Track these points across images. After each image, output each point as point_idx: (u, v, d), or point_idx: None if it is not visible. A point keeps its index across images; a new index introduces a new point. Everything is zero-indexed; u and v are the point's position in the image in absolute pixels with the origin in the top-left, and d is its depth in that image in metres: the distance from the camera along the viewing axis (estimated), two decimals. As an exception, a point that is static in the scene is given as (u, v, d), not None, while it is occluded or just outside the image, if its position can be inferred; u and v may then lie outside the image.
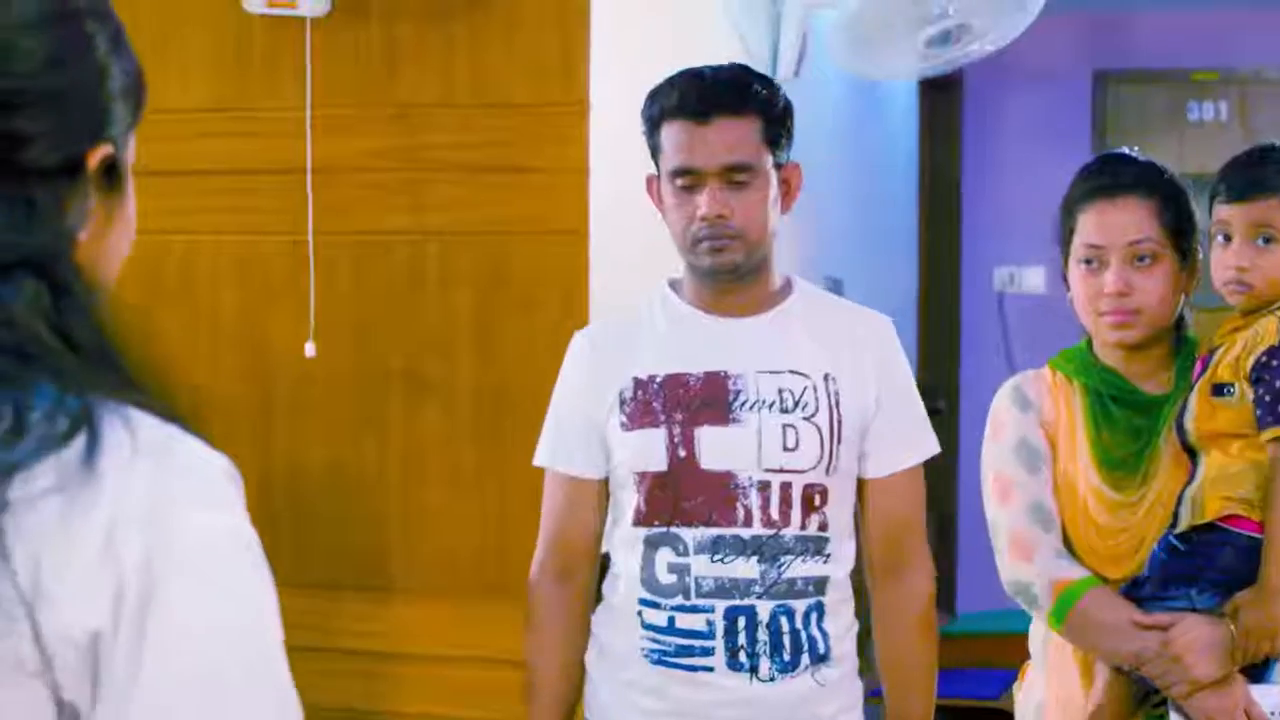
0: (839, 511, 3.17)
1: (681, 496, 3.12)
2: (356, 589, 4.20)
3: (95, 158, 1.39)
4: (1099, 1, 8.30)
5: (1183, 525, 2.99)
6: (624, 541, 3.21)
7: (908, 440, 3.25)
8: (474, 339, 4.09)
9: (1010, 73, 8.35)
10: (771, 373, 3.14)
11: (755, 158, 3.09)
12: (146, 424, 1.32)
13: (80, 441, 1.26)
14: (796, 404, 3.13)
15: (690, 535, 3.11)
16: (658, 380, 3.16)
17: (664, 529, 3.14)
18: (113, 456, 1.27)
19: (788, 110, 3.17)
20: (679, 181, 3.10)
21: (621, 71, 4.10)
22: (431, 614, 4.16)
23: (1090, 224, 3.15)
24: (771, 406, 3.12)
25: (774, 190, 3.13)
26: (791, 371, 3.15)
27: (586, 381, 3.23)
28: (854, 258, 6.79)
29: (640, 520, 3.16)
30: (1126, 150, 3.32)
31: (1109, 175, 3.20)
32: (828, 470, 3.14)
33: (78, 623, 1.22)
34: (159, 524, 1.27)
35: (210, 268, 4.30)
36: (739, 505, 3.10)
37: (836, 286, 6.30)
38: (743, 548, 3.10)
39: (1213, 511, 2.96)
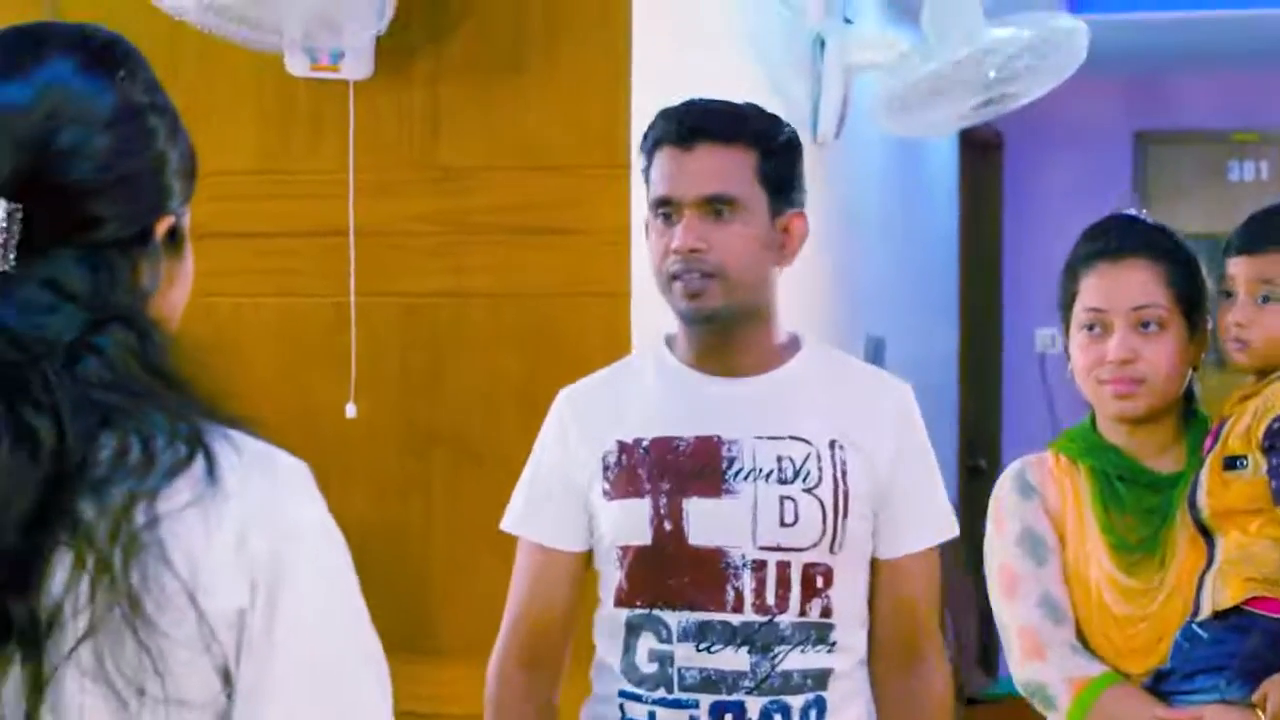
0: (847, 595, 2.85)
1: (666, 574, 2.81)
2: (400, 650, 4.18)
3: (161, 228, 1.67)
4: (1139, 63, 8.31)
5: (1205, 612, 2.82)
6: (605, 624, 2.91)
7: (922, 519, 2.93)
8: (516, 400, 4.09)
9: (1051, 133, 8.36)
10: (770, 438, 2.82)
11: (741, 191, 2.80)
12: (242, 440, 1.64)
13: (200, 461, 1.56)
14: (797, 474, 2.80)
15: (674, 619, 2.79)
16: (644, 444, 2.85)
17: (646, 611, 2.82)
18: (229, 471, 1.58)
19: (791, 151, 2.90)
20: (659, 211, 2.84)
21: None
22: (476, 675, 4.13)
23: (1092, 287, 2.97)
24: (769, 476, 2.80)
25: (765, 232, 2.82)
26: (793, 438, 2.83)
27: (568, 443, 2.94)
28: (895, 317, 6.79)
29: (621, 600, 2.86)
30: (1134, 211, 3.16)
31: (1114, 237, 3.03)
32: (832, 548, 2.81)
33: (228, 604, 1.55)
34: (276, 522, 1.60)
35: (252, 329, 4.31)
36: (728, 587, 2.77)
37: (878, 346, 6.29)
38: (731, 636, 2.77)
39: (1236, 595, 2.80)
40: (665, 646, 2.80)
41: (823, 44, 5.08)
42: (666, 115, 2.88)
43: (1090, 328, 2.97)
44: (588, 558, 2.95)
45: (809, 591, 2.80)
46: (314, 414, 4.23)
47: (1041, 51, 4.78)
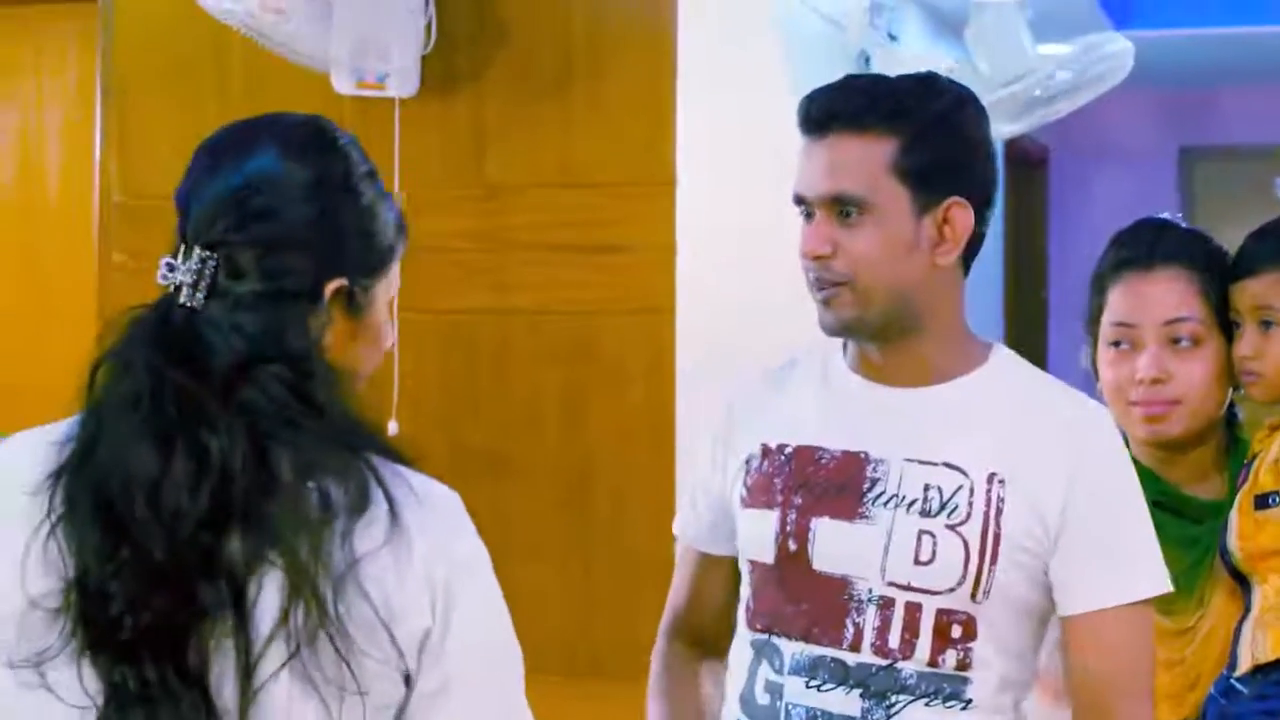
0: (995, 651, 2.43)
1: (785, 599, 2.50)
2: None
3: (329, 289, 1.92)
4: (1185, 78, 8.29)
5: (1244, 665, 2.56)
6: (737, 644, 2.61)
7: (1111, 571, 2.43)
8: (560, 417, 4.10)
9: (1096, 148, 8.35)
10: (921, 463, 2.45)
11: (867, 188, 2.41)
12: (405, 474, 1.90)
13: (382, 503, 1.84)
14: (943, 506, 2.42)
15: (788, 650, 2.48)
16: (788, 451, 2.53)
17: (765, 636, 2.52)
18: (407, 511, 1.86)
19: (950, 129, 2.46)
20: (799, 209, 2.50)
21: (707, 150, 4.11)
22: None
23: (1120, 300, 2.72)
24: (911, 506, 2.44)
25: (905, 232, 2.43)
26: (947, 465, 2.44)
27: (719, 440, 2.66)
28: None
29: (748, 620, 2.56)
30: (1167, 216, 2.88)
31: (1144, 244, 2.75)
32: (974, 595, 2.41)
33: (416, 626, 1.85)
34: (451, 555, 1.91)
35: (298, 346, 4.32)
36: (848, 622, 2.44)
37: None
38: (844, 675, 2.44)
39: (1277, 647, 2.54)
40: (778, 678, 2.50)
41: (868, 60, 5.08)
42: (806, 97, 2.51)
43: (1117, 344, 2.74)
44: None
45: (942, 640, 2.42)
46: (359, 430, 4.24)
47: (1087, 68, 4.77)
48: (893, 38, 5.35)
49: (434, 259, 4.18)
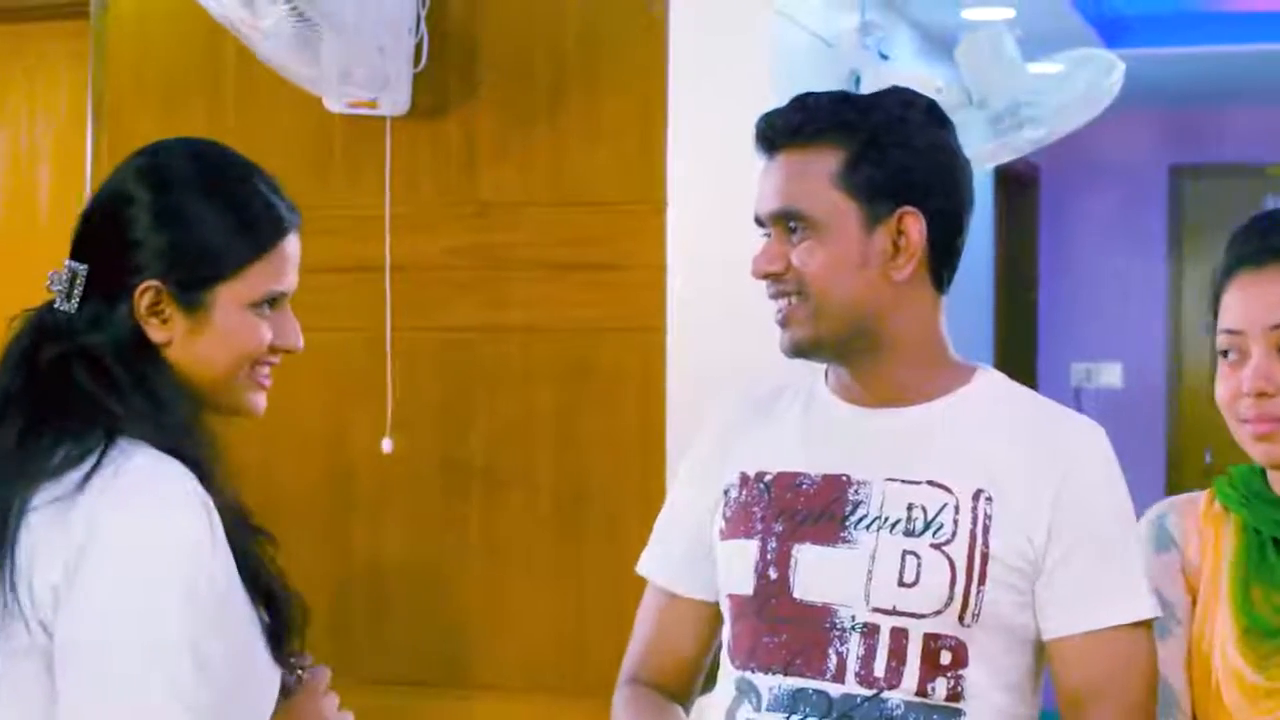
0: (987, 679, 2.31)
1: (764, 631, 2.37)
2: (436, 685, 4.20)
3: (138, 291, 2.12)
4: (1175, 96, 8.30)
5: None
6: (721, 683, 2.47)
7: (1097, 591, 2.32)
8: (553, 435, 4.10)
9: (1086, 167, 8.36)
10: (904, 482, 2.35)
11: (813, 204, 2.35)
12: (147, 456, 2.05)
13: (84, 468, 2.02)
14: (927, 526, 2.31)
15: (766, 685, 2.35)
16: (767, 479, 2.43)
17: (743, 673, 2.39)
18: (99, 477, 2.01)
19: (902, 138, 2.38)
20: (761, 232, 2.45)
21: (699, 170, 4.12)
22: (511, 710, 4.15)
23: (1231, 304, 2.34)
24: (895, 526, 2.32)
25: (855, 247, 2.35)
26: (931, 483, 2.34)
27: (695, 470, 2.57)
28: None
29: (730, 659, 2.43)
30: None
31: (1254, 240, 2.37)
32: (962, 618, 2.29)
33: (48, 580, 1.99)
34: (98, 521, 1.99)
35: (289, 363, 4.30)
36: (830, 651, 2.31)
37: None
38: (827, 708, 2.31)
39: None
40: (756, 716, 2.36)
41: (858, 80, 5.08)
42: (760, 120, 2.48)
43: (1226, 353, 2.34)
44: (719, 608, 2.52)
45: (931, 668, 2.29)
46: (351, 448, 4.24)
47: (1078, 88, 4.77)
48: (884, 57, 5.35)
49: (426, 277, 4.19)
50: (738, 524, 2.43)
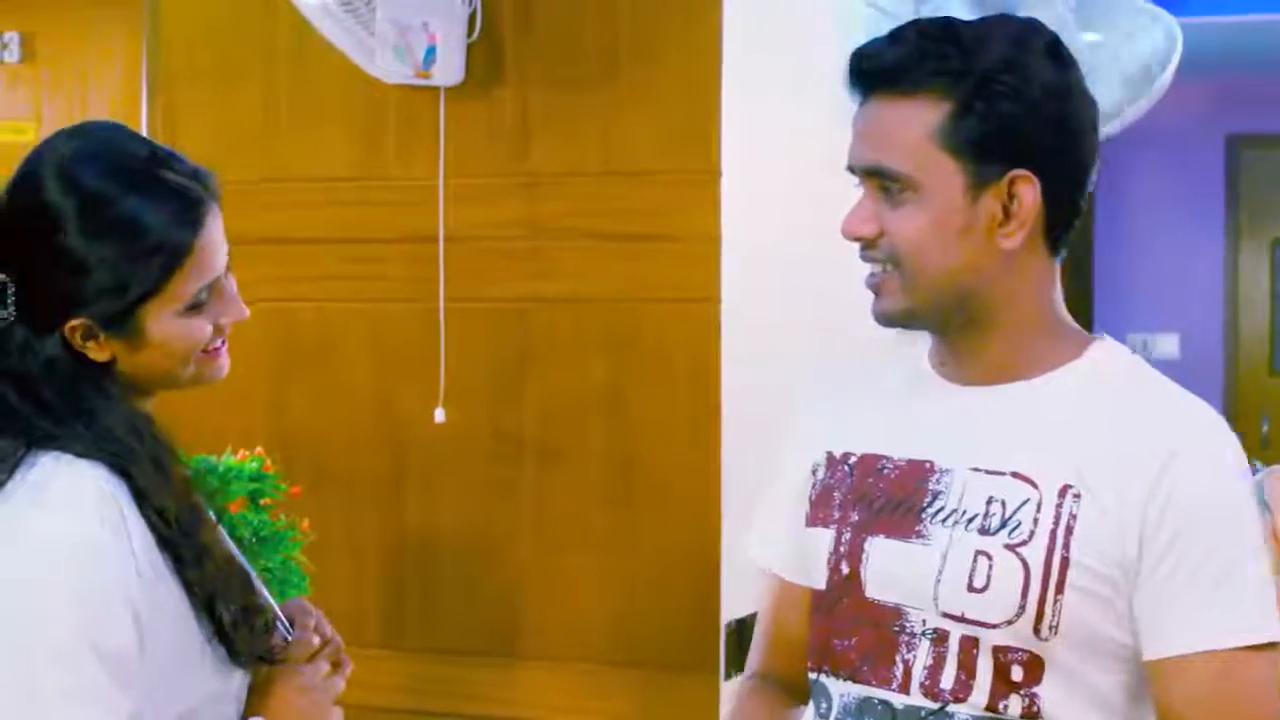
0: (1066, 698, 2.07)
1: (835, 632, 2.19)
2: (487, 655, 4.20)
3: (68, 327, 2.10)
4: (1230, 65, 8.24)
5: None
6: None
7: (1202, 607, 2.03)
8: (605, 405, 4.09)
9: (1142, 139, 8.29)
10: (988, 472, 2.10)
11: (911, 162, 2.08)
12: (62, 465, 2.05)
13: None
14: (1004, 524, 2.06)
15: (836, 692, 2.18)
16: (851, 460, 2.23)
17: (815, 676, 2.22)
18: (11, 484, 2.04)
19: (1013, 90, 2.06)
20: (854, 183, 2.18)
21: (752, 138, 4.11)
22: (562, 680, 4.15)
23: None
24: (970, 522, 2.09)
25: (956, 212, 2.09)
26: (1015, 474, 2.09)
27: (797, 441, 2.35)
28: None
29: (807, 655, 2.26)
30: None
31: None
32: (1037, 630, 2.05)
33: None
34: (6, 526, 2.02)
35: (343, 335, 4.33)
36: (898, 658, 2.12)
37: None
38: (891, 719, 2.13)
39: None
40: None
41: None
42: (854, 49, 2.16)
43: None
44: None
45: (1004, 683, 2.06)
46: (404, 419, 4.25)
47: (1139, 57, 4.74)
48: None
49: (479, 248, 4.18)
50: (819, 509, 2.24)
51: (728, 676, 3.97)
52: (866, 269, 2.16)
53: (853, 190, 2.17)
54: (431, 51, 4.00)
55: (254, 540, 3.59)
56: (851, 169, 2.14)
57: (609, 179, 4.09)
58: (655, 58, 4.06)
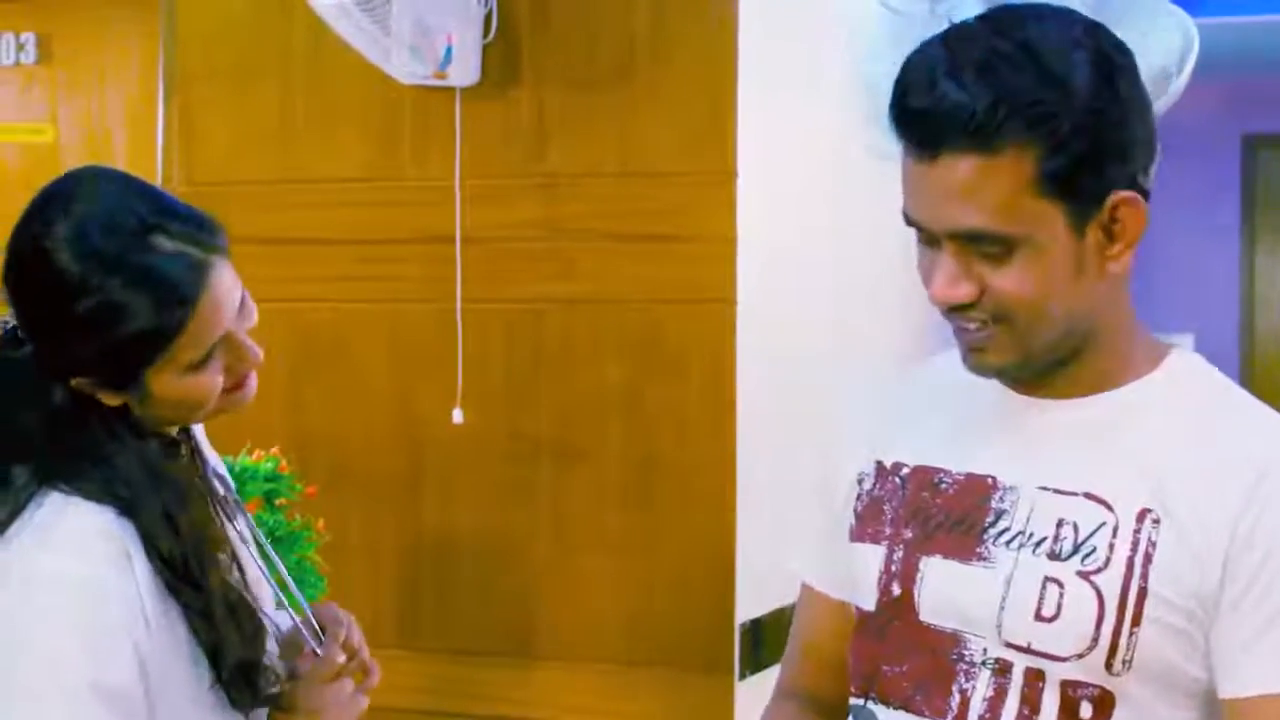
0: None
1: (885, 657, 2.06)
2: (503, 655, 4.21)
3: (74, 384, 2.11)
4: (1247, 66, 8.23)
5: None
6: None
7: None
8: (622, 407, 4.10)
9: (1159, 137, 8.29)
10: (1057, 492, 1.96)
11: (1010, 220, 1.87)
12: (69, 507, 2.06)
13: (12, 517, 2.06)
14: (1076, 549, 1.93)
15: (885, 719, 2.05)
16: (904, 471, 2.10)
17: (861, 701, 2.09)
18: (18, 522, 2.06)
19: (1101, 115, 1.88)
20: (913, 229, 1.98)
21: (768, 139, 4.11)
22: (578, 681, 4.15)
23: None
24: (1038, 546, 1.95)
25: (1066, 254, 1.91)
26: (1088, 495, 1.95)
27: (839, 448, 2.23)
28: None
29: (850, 678, 2.14)
30: None
31: None
32: (1109, 664, 1.91)
33: None
34: (11, 565, 2.03)
35: (358, 335, 4.34)
36: (954, 688, 1.98)
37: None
38: None
39: None
40: None
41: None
42: (898, 95, 1.92)
43: None
44: None
45: (1070, 719, 1.93)
46: (420, 419, 4.25)
47: (1154, 60, 4.73)
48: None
49: (496, 249, 4.19)
50: (867, 523, 2.11)
51: (742, 677, 3.97)
52: (927, 308, 2.00)
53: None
54: (448, 52, 4.00)
55: (269, 541, 3.59)
56: (922, 226, 1.95)
57: (626, 180, 4.09)
58: (671, 59, 4.06)
